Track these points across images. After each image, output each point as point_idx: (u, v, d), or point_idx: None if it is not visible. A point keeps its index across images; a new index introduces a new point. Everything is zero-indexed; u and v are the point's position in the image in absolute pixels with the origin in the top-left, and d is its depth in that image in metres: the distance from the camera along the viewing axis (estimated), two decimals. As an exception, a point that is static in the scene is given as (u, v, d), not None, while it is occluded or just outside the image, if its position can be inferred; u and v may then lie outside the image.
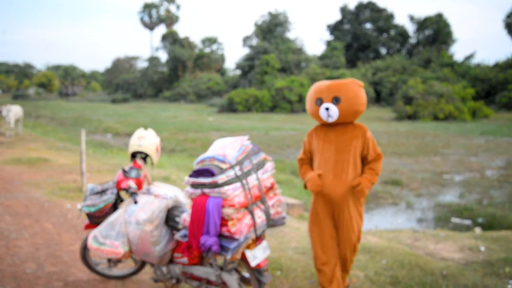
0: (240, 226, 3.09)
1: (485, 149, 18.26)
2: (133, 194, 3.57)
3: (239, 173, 3.17)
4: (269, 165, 3.42)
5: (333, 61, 48.74)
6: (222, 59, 69.03)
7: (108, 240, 3.57)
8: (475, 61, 49.94)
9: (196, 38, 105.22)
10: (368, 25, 59.65)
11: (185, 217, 3.33)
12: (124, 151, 16.80)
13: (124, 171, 3.75)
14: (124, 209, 3.68)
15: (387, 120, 32.34)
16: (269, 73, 46.53)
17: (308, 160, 3.76)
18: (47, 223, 6.09)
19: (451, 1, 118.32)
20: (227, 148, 3.28)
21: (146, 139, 3.90)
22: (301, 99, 41.30)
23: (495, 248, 4.63)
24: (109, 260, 4.11)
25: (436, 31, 55.06)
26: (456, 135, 23.30)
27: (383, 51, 59.46)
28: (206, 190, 3.15)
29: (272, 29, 61.70)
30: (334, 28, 60.66)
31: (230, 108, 41.84)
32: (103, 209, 3.77)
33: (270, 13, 63.08)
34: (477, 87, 38.41)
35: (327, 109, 3.43)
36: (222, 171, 3.14)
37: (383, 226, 8.33)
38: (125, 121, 30.14)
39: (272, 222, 3.36)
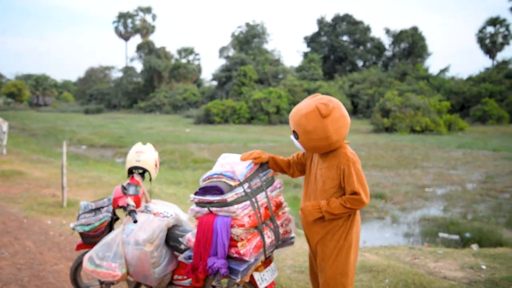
0: (250, 247, 2.90)
1: (463, 162, 18.44)
2: (132, 213, 3.35)
3: (248, 190, 3.00)
4: (278, 182, 3.25)
5: (310, 73, 48.99)
6: (198, 69, 68.66)
7: (105, 262, 3.34)
8: (449, 74, 50.95)
9: (172, 49, 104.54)
10: (345, 38, 60.32)
11: (189, 237, 3.12)
12: (102, 163, 16.39)
13: (124, 188, 3.53)
14: (122, 228, 3.46)
15: (365, 133, 32.55)
16: (247, 84, 46.49)
17: (290, 159, 3.32)
18: (27, 241, 5.77)
19: (426, 15, 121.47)
20: (236, 164, 3.10)
21: (145, 154, 3.70)
22: (279, 111, 41.31)
23: (497, 267, 4.55)
24: (101, 282, 3.86)
25: (411, 44, 55.99)
26: (434, 148, 23.54)
27: (359, 63, 60.12)
28: (214, 209, 2.96)
29: (249, 40, 61.79)
30: (311, 40, 61.12)
31: (207, 119, 41.57)
32: (98, 228, 3.53)
33: (247, 24, 63.23)
34: (452, 100, 39.07)
35: (293, 141, 3.09)
36: (231, 188, 2.96)
37: (370, 241, 8.21)
38: (100, 132, 29.57)
39: (281, 242, 3.18)
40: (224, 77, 51.97)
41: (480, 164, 18.05)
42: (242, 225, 2.89)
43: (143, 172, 3.80)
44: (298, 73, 49.89)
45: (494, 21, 55.75)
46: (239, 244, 2.90)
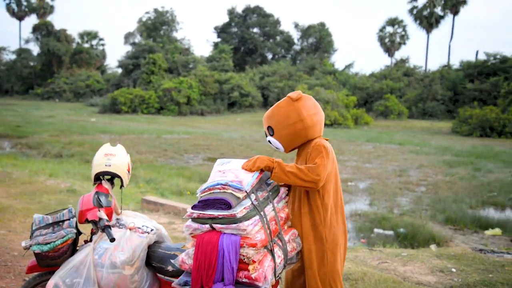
0: (263, 270, 2.49)
1: (376, 156, 19.17)
2: (106, 229, 2.79)
3: (255, 203, 2.59)
4: (283, 192, 2.86)
5: (221, 64, 48.53)
6: (102, 55, 65.44)
7: (74, 291, 2.75)
8: (353, 70, 53.06)
9: (73, 32, 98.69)
10: (255, 30, 60.57)
11: (183, 259, 2.64)
12: (3, 157, 14.84)
13: (98, 199, 2.95)
14: (91, 248, 2.88)
15: (277, 125, 32.86)
16: (156, 73, 45.03)
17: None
18: None
19: (332, 12, 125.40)
20: (240, 172, 2.66)
21: (116, 157, 3.12)
22: (189, 101, 40.52)
23: (465, 269, 4.54)
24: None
25: (319, 40, 57.57)
26: (345, 142, 24.29)
27: (269, 56, 60.74)
28: (218, 226, 2.51)
29: (157, 27, 59.97)
30: (222, 30, 60.63)
31: (113, 108, 39.70)
32: (59, 247, 2.91)
33: (156, 10, 61.33)
34: (356, 95, 40.69)
35: (269, 142, 2.95)
36: (238, 201, 2.53)
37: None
38: (-9, 121, 27.07)
39: (289, 261, 2.80)
40: (131, 65, 49.92)
41: (391, 157, 18.85)
42: (254, 245, 2.47)
43: (111, 178, 3.23)
44: (209, 64, 49.24)
45: (393, 22, 58.96)
46: (250, 267, 2.48)
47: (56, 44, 60.76)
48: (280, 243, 2.69)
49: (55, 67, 61.47)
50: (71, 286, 2.75)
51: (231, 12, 61.09)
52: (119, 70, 57.05)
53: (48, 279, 3.11)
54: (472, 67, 43.00)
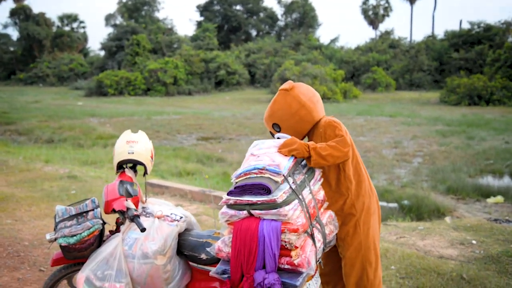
0: (306, 256, 2.41)
1: (368, 129, 19.16)
2: (136, 218, 2.68)
3: (293, 186, 2.49)
4: (318, 173, 2.77)
5: (206, 43, 47.94)
6: (84, 38, 64.29)
7: (106, 283, 2.64)
8: (339, 44, 52.87)
9: (52, 15, 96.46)
10: (238, 7, 59.77)
11: (220, 247, 2.54)
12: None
13: (126, 188, 2.83)
14: (120, 238, 2.78)
15: (266, 102, 32.68)
16: (140, 54, 44.38)
17: None
18: None
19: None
20: (276, 155, 2.56)
21: (138, 144, 2.99)
22: (176, 81, 40.08)
23: (485, 241, 4.52)
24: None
25: (303, 15, 57.09)
26: (336, 116, 23.72)
27: (253, 33, 60.15)
28: (257, 212, 2.41)
29: (139, 7, 58.90)
30: (204, 9, 59.72)
31: (100, 91, 39.16)
32: (86, 239, 2.80)
33: (135, -10, 60.18)
34: (343, 68, 40.57)
35: (279, 138, 2.87)
36: (277, 185, 2.43)
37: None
38: (-24, 107, 26.56)
39: (328, 244, 2.73)
40: (115, 47, 49.13)
41: (384, 130, 18.86)
42: (295, 230, 2.38)
43: (133, 165, 3.11)
44: (193, 43, 48.61)
45: (376, -6, 58.64)
46: (292, 253, 2.39)
47: (36, 28, 59.51)
48: (319, 227, 2.61)
49: (36, 51, 60.32)
50: (103, 279, 2.65)
51: (213, -10, 60.18)
52: (102, 53, 56.20)
53: (74, 271, 3.03)
54: (457, 37, 43.07)
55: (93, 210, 2.92)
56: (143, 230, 2.62)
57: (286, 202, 2.39)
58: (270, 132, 3.02)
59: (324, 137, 2.77)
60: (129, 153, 2.94)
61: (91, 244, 2.82)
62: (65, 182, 7.72)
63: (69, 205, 2.96)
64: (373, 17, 58.48)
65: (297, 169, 2.61)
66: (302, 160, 2.69)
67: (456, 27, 50.69)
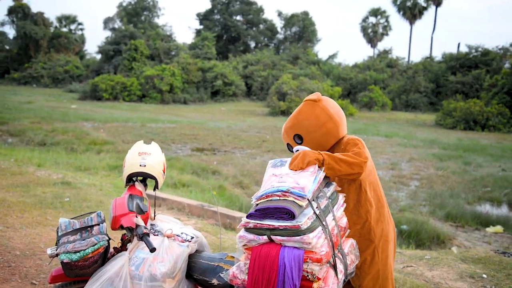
0: (328, 288, 2.24)
1: (365, 148, 19.03)
2: (145, 237, 2.50)
3: (317, 212, 2.33)
4: (341, 198, 2.60)
5: (204, 52, 47.84)
6: (82, 40, 64.01)
7: (111, 307, 2.47)
8: (337, 60, 53.03)
9: (51, 15, 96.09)
10: (238, 17, 59.89)
11: (235, 273, 2.36)
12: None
13: (138, 204, 2.65)
14: (126, 257, 2.60)
15: (262, 115, 32.61)
16: (138, 60, 44.18)
17: None
18: None
19: (315, 1, 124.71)
20: (300, 176, 2.39)
21: (151, 156, 2.81)
22: (172, 89, 39.89)
23: (496, 275, 4.37)
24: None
25: (302, 29, 57.33)
26: (332, 133, 24.09)
27: (252, 44, 60.24)
28: (278, 238, 2.24)
29: (138, 12, 58.86)
30: (204, 17, 59.77)
31: (94, 95, 38.85)
32: (89, 256, 2.61)
33: (136, -5, 60.18)
34: (340, 85, 40.64)
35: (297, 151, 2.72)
36: (301, 210, 2.27)
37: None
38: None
39: (349, 276, 2.56)
40: (112, 51, 48.89)
41: (380, 150, 18.76)
42: (319, 260, 2.21)
43: (143, 178, 2.93)
44: (191, 51, 48.52)
45: (375, 12, 59.10)
46: (314, 285, 2.22)
47: (33, 27, 59.16)
48: (341, 256, 2.45)
49: (32, 51, 59.91)
50: (107, 303, 2.47)
51: (214, -1, 60.31)
52: (99, 56, 55.91)
53: (74, 289, 2.83)
54: (454, 60, 43.35)
55: (98, 224, 2.74)
56: (152, 250, 2.44)
57: (310, 229, 2.22)
58: (288, 145, 2.89)
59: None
60: (141, 165, 2.77)
61: (95, 262, 2.63)
62: (58, 188, 7.49)
63: (72, 218, 2.78)
64: (372, 35, 58.83)
65: (321, 193, 2.45)
66: (326, 183, 2.53)
67: (454, 50, 51.06)
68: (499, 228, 8.76)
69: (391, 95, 40.64)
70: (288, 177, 2.40)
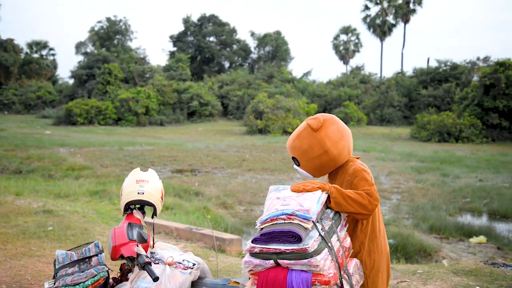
0: (337, 313, 2.23)
1: (344, 163, 19.18)
2: (147, 266, 2.45)
3: (323, 233, 2.32)
4: (343, 218, 2.61)
5: (178, 73, 47.89)
6: (53, 65, 63.35)
7: None
8: (311, 78, 53.68)
9: (21, 41, 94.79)
10: (212, 38, 60.30)
11: (241, 300, 2.35)
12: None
13: (139, 233, 2.60)
14: (129, 287, 2.54)
15: (239, 134, 32.64)
16: (112, 83, 43.89)
17: None
18: None
19: (287, 21, 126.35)
20: (303, 199, 2.39)
21: (149, 184, 2.78)
22: (148, 111, 39.70)
23: (489, 286, 4.40)
24: None
25: (275, 48, 58.02)
26: (310, 149, 24.23)
27: (226, 64, 60.61)
28: (285, 262, 2.23)
29: (111, 36, 58.68)
30: (177, 39, 59.97)
31: (69, 120, 38.40)
32: (90, 288, 2.55)
33: (108, 19, 60.00)
34: (315, 102, 41.07)
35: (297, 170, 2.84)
36: (307, 232, 2.26)
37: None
38: None
39: (353, 297, 2.54)
40: (85, 75, 48.52)
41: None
42: (327, 282, 2.20)
43: (141, 206, 2.88)
44: (166, 73, 48.51)
45: (346, 30, 60.23)
46: (323, 309, 2.21)
47: (3, 54, 58.30)
48: (347, 277, 2.44)
49: (3, 78, 58.93)
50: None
51: (186, 21, 60.58)
52: (72, 81, 55.36)
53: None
54: (425, 74, 44.27)
55: (97, 255, 2.69)
56: (155, 279, 2.40)
57: (317, 251, 2.22)
58: (293, 157, 2.83)
59: (353, 187, 2.61)
60: (139, 193, 2.73)
61: (94, 295, 2.57)
62: (40, 217, 7.32)
63: (69, 250, 2.72)
64: (344, 52, 59.82)
65: (324, 214, 2.45)
66: (326, 205, 2.53)
67: (424, 65, 52.24)
68: (482, 239, 8.88)
69: (366, 110, 41.20)
70: (291, 200, 2.40)
